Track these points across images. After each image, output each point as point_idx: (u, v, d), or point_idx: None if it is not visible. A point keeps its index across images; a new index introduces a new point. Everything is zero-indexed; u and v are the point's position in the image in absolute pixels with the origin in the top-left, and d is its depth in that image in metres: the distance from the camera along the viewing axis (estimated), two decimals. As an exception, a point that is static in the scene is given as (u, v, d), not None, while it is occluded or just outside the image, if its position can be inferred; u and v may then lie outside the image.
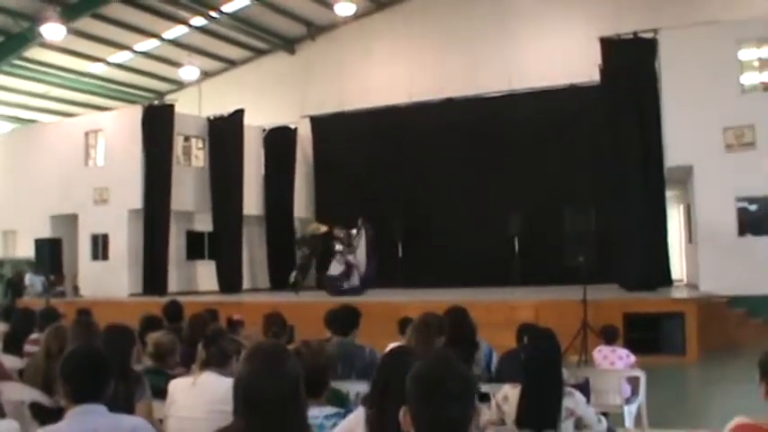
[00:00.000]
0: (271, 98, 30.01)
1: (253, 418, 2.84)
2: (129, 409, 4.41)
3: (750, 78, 19.15)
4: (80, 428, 3.56)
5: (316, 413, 3.97)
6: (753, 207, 18.66)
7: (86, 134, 26.45)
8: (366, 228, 21.96)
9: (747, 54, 19.13)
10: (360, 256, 21.76)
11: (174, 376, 5.42)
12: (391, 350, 4.11)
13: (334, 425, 3.93)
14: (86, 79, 31.96)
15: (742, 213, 18.64)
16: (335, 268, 21.76)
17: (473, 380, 2.53)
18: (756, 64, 19.20)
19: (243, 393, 2.89)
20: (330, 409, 4.11)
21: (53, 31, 24.16)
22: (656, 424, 8.38)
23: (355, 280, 21.45)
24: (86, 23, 26.97)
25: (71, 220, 25.96)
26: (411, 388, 2.46)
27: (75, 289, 25.79)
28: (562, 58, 24.20)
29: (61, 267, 21.87)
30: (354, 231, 21.91)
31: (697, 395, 12.69)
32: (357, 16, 28.33)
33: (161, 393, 5.00)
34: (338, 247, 21.95)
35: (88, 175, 25.81)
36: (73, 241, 25.89)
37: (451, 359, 2.56)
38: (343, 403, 4.82)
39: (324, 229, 22.83)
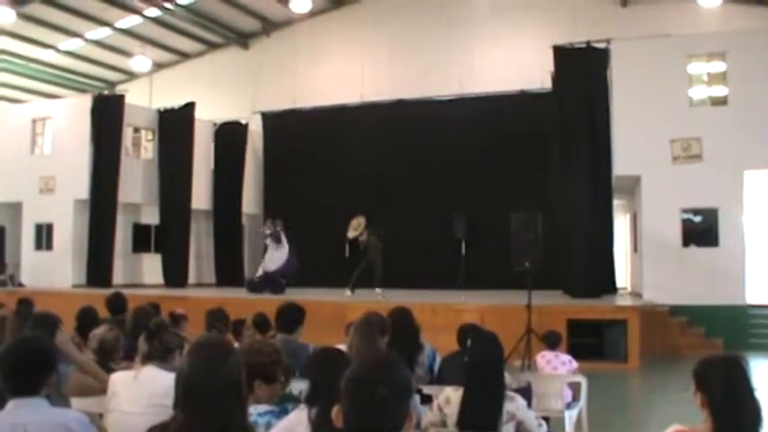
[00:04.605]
0: (222, 92, 29.84)
1: (192, 413, 2.81)
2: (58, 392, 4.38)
3: (698, 92, 19.43)
4: (10, 422, 3.50)
5: (250, 410, 3.96)
6: (697, 219, 18.93)
7: (34, 121, 26.02)
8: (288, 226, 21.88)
9: (696, 68, 19.40)
10: (282, 253, 21.66)
11: (117, 370, 5.36)
12: (320, 350, 4.12)
13: (268, 423, 3.92)
14: (35, 66, 31.49)
15: (686, 225, 18.91)
16: (271, 263, 21.64)
17: (408, 385, 2.49)
18: (705, 78, 19.48)
19: (183, 387, 2.86)
20: (264, 407, 4.10)
21: (2, 14, 23.80)
22: (595, 429, 8.46)
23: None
24: (37, 8, 26.60)
25: (15, 209, 25.56)
26: (343, 389, 2.44)
27: (11, 278, 25.39)
28: (514, 64, 24.40)
29: (3, 256, 21.52)
30: (280, 228, 21.75)
31: (637, 402, 12.85)
32: (312, 14, 28.26)
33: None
34: (268, 241, 21.92)
35: (34, 163, 25.40)
36: (16, 230, 25.52)
37: (387, 363, 2.53)
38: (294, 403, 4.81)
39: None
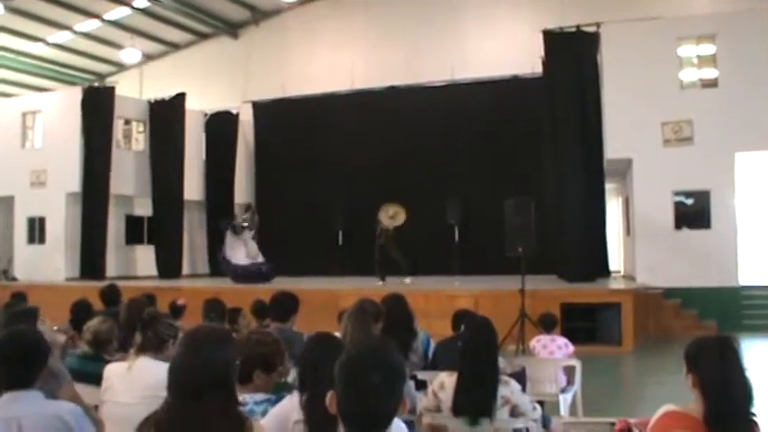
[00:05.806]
0: (213, 82, 29.77)
1: (180, 403, 2.81)
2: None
3: (689, 74, 19.45)
4: (4, 416, 3.52)
5: (246, 399, 3.97)
6: (689, 201, 18.99)
7: (24, 115, 25.93)
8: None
9: (687, 51, 19.41)
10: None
11: (112, 362, 5.36)
12: (315, 335, 4.12)
13: (265, 411, 3.93)
14: (25, 59, 31.39)
15: (678, 207, 18.96)
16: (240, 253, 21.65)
17: (401, 371, 2.50)
18: (695, 61, 19.49)
19: (173, 377, 2.86)
20: (261, 396, 4.11)
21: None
22: (590, 412, 8.49)
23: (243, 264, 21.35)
24: (25, 1, 26.49)
25: (7, 203, 25.50)
26: (337, 374, 2.46)
27: (5, 272, 25.37)
28: (505, 49, 24.36)
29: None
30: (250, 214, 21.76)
31: (631, 384, 12.90)
32: (301, 2, 28.19)
33: (97, 379, 4.95)
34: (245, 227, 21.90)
35: (25, 156, 25.32)
36: (8, 224, 25.46)
37: (381, 348, 2.54)
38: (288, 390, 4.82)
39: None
